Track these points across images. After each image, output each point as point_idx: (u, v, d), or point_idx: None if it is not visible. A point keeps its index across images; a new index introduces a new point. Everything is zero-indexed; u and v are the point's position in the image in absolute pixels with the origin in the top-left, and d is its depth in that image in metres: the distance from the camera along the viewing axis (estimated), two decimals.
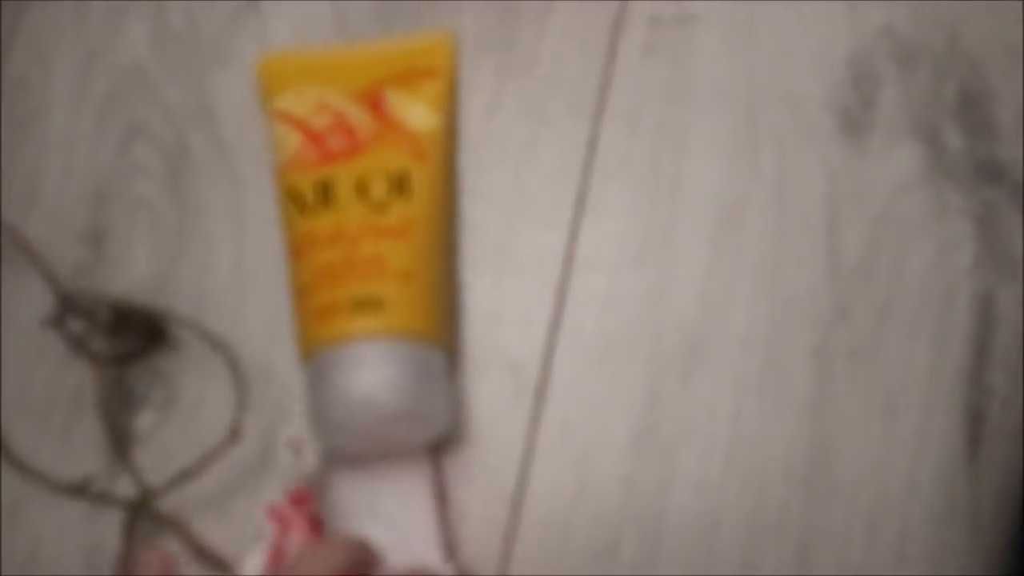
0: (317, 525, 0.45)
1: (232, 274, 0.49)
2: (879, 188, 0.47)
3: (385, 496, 0.44)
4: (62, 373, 0.49)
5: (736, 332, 0.46)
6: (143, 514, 0.46)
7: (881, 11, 0.49)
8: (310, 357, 0.44)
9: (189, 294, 0.49)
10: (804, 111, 0.48)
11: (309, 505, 0.45)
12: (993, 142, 0.47)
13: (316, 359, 0.44)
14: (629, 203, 0.48)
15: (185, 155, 0.51)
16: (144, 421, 0.48)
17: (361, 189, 0.46)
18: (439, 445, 0.46)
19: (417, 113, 0.48)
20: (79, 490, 0.47)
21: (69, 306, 0.47)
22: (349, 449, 0.44)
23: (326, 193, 0.46)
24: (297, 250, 0.46)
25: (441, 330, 0.45)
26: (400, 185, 0.46)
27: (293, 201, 0.46)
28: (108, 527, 0.46)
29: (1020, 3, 0.49)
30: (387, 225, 0.45)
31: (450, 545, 0.44)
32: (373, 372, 0.43)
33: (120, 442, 0.47)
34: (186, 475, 0.45)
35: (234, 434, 0.45)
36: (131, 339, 0.48)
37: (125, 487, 0.47)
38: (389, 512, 0.44)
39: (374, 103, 0.48)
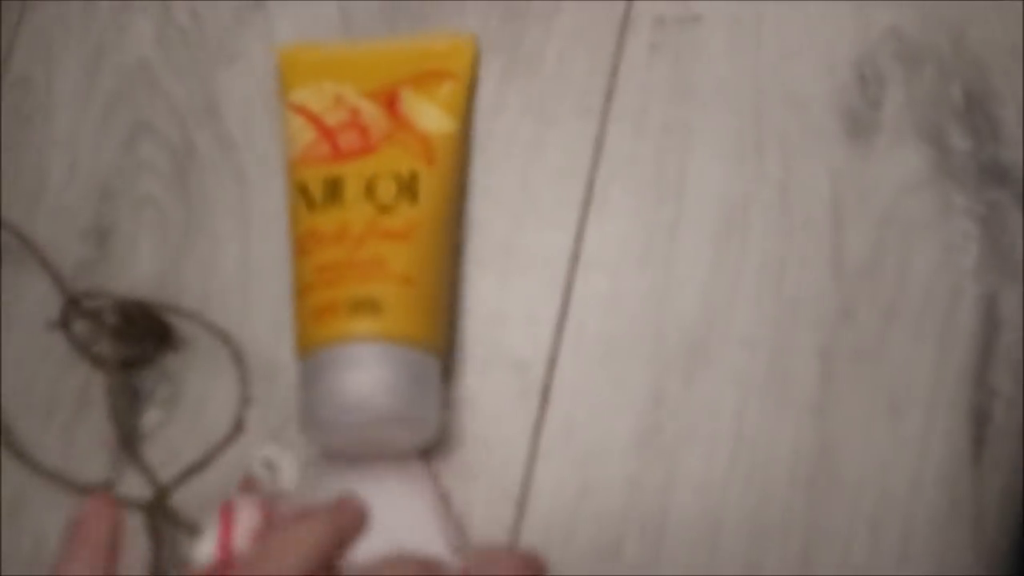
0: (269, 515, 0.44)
1: (237, 272, 0.49)
2: (884, 189, 0.47)
3: (381, 498, 0.44)
4: (66, 370, 0.49)
5: (740, 332, 0.46)
6: (159, 513, 0.46)
7: (887, 12, 0.49)
8: (306, 355, 0.44)
9: (194, 292, 0.49)
10: (809, 112, 0.48)
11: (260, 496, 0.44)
12: (998, 144, 0.47)
13: (311, 358, 0.44)
14: (634, 203, 0.48)
15: (191, 153, 0.51)
16: (150, 419, 0.48)
17: (370, 189, 0.46)
18: (429, 448, 0.46)
19: (431, 116, 0.48)
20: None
21: (75, 308, 0.47)
22: (339, 449, 0.45)
23: (335, 191, 0.46)
24: (301, 247, 0.46)
25: (437, 335, 0.45)
26: (408, 188, 0.46)
27: (302, 196, 0.46)
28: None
29: None
30: (392, 227, 0.45)
31: (459, 540, 0.44)
32: (367, 374, 0.43)
33: (130, 443, 0.47)
34: (193, 469, 0.45)
35: (238, 427, 0.45)
36: (138, 342, 0.48)
37: (128, 486, 0.47)
38: (385, 514, 0.44)
39: (389, 102, 0.48)
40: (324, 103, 0.48)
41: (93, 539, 0.38)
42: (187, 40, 0.53)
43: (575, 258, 0.48)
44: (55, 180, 0.52)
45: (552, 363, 0.47)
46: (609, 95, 0.50)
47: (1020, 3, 0.49)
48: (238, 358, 0.46)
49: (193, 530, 0.45)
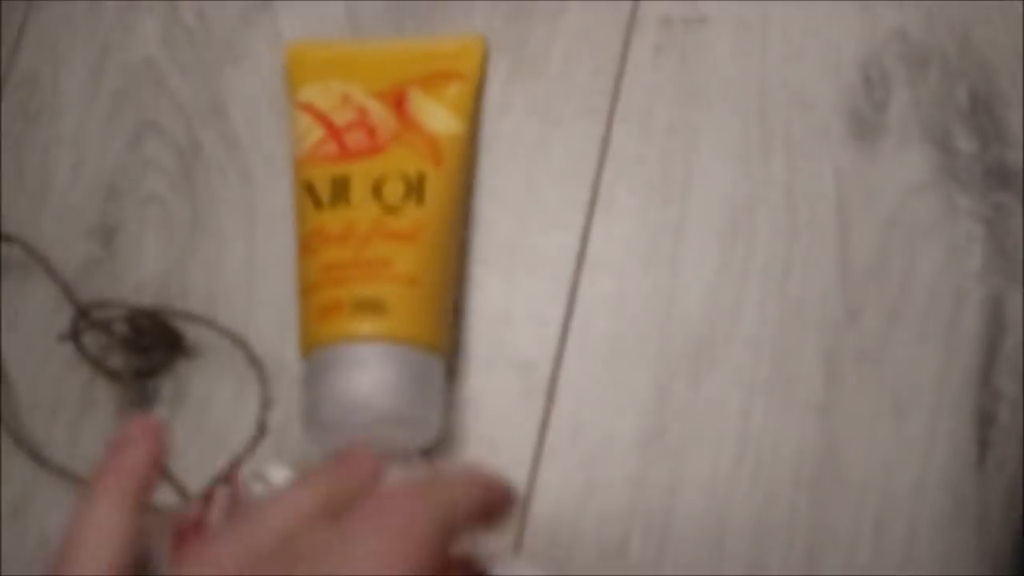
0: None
1: (243, 271, 0.49)
2: (889, 191, 0.47)
3: None
4: (71, 368, 0.49)
5: (745, 333, 0.46)
6: None
7: (893, 14, 0.49)
8: (310, 354, 0.44)
9: (200, 291, 0.49)
10: (815, 113, 0.49)
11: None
12: (1003, 146, 0.47)
13: (315, 357, 0.44)
14: (640, 203, 0.48)
15: (197, 152, 0.51)
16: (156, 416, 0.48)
17: (377, 189, 0.46)
18: (433, 449, 0.46)
19: (438, 116, 0.48)
20: None
21: (85, 319, 0.47)
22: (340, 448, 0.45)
23: (342, 190, 0.46)
24: (307, 245, 0.46)
25: (442, 336, 0.45)
26: (416, 189, 0.46)
27: (309, 195, 0.46)
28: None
29: None
30: (399, 228, 0.45)
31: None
32: (369, 374, 0.43)
33: None
34: (219, 479, 0.44)
35: (261, 430, 0.45)
36: (149, 351, 0.48)
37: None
38: None
39: (397, 103, 0.48)
40: (332, 102, 0.48)
41: (127, 468, 0.36)
42: (193, 40, 0.53)
43: (581, 258, 0.48)
44: (61, 179, 0.52)
45: (557, 363, 0.47)
46: (615, 96, 0.50)
47: None
48: (256, 362, 0.46)
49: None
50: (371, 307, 0.44)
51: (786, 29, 0.50)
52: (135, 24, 0.53)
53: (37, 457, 0.47)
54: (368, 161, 0.46)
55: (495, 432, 0.46)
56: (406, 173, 0.46)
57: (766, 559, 0.44)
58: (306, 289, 0.45)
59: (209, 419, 0.48)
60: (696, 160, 0.49)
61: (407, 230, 0.45)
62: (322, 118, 0.48)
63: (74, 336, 0.47)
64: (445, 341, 0.46)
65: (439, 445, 0.46)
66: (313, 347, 0.44)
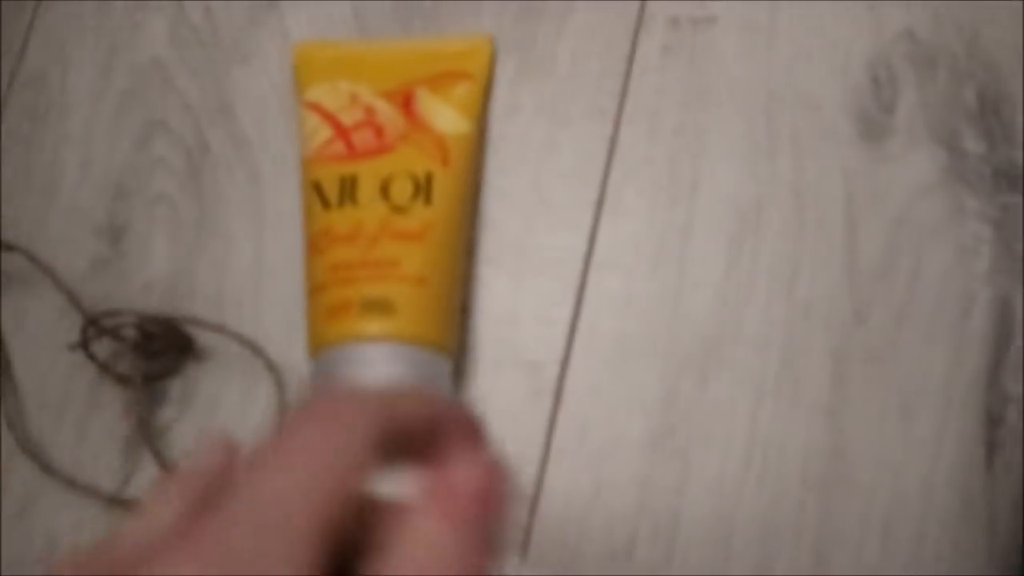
0: None
1: (251, 270, 0.49)
2: (897, 191, 0.47)
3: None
4: (78, 368, 0.49)
5: (753, 334, 0.46)
6: None
7: (901, 15, 0.49)
8: (317, 354, 0.45)
9: (208, 290, 0.49)
10: (823, 114, 0.48)
11: None
12: (1011, 147, 0.47)
13: (323, 356, 0.44)
14: (647, 204, 0.48)
15: (205, 151, 0.51)
16: (163, 416, 0.48)
17: (385, 189, 0.46)
18: None
19: (446, 116, 0.48)
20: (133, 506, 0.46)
21: (94, 328, 0.47)
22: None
23: (349, 190, 0.46)
24: (315, 245, 0.46)
25: (449, 336, 0.45)
26: (424, 189, 0.46)
27: (317, 194, 0.46)
28: (124, 521, 0.46)
29: None
30: (406, 228, 0.45)
31: None
32: (377, 374, 0.43)
33: (164, 463, 0.47)
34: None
35: None
36: (160, 356, 0.48)
37: (135, 488, 0.47)
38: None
39: (405, 102, 0.48)
40: (339, 101, 0.48)
41: (195, 472, 0.29)
42: (201, 39, 0.53)
43: (588, 259, 0.48)
44: (69, 178, 0.52)
45: (565, 364, 0.47)
46: (622, 96, 0.50)
47: None
48: (273, 367, 0.46)
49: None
50: (379, 307, 0.44)
51: (794, 29, 0.50)
52: (143, 24, 0.53)
53: (41, 462, 0.47)
54: (376, 161, 0.46)
55: (502, 432, 0.46)
56: (414, 173, 0.46)
57: (774, 559, 0.44)
58: (314, 289, 0.45)
59: (217, 420, 0.48)
60: (704, 161, 0.49)
61: (415, 231, 0.45)
62: (330, 118, 0.48)
63: (83, 345, 0.47)
64: (453, 341, 0.46)
65: None
66: (321, 347, 0.44)
